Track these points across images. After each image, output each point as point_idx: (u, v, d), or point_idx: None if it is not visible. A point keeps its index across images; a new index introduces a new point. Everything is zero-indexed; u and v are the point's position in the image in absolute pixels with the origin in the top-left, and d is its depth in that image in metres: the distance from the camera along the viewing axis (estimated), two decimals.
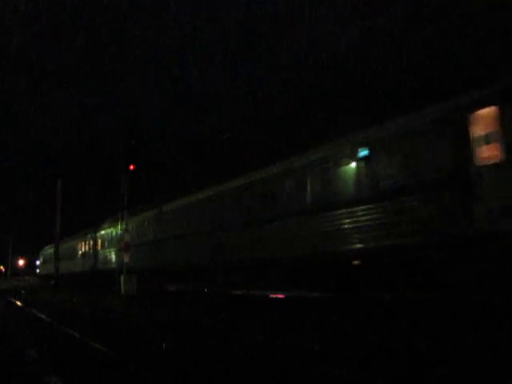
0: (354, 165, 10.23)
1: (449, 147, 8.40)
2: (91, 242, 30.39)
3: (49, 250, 41.81)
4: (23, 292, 24.68)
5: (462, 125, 8.22)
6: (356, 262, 10.03)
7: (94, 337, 6.73)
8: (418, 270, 8.86)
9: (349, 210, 10.03)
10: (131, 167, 19.47)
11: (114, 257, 24.93)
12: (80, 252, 33.50)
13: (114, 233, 24.54)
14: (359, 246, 9.77)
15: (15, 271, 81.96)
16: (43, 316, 10.74)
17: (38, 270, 54.77)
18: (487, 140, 7.87)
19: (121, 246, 19.91)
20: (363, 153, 9.93)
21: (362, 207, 9.73)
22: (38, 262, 49.02)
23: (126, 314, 10.76)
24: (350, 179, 10.20)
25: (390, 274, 9.25)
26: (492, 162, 7.80)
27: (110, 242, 26.00)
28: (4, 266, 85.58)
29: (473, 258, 8.03)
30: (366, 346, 5.39)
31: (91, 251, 30.20)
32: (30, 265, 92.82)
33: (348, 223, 10.05)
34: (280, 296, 12.90)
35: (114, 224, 24.18)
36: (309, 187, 11.23)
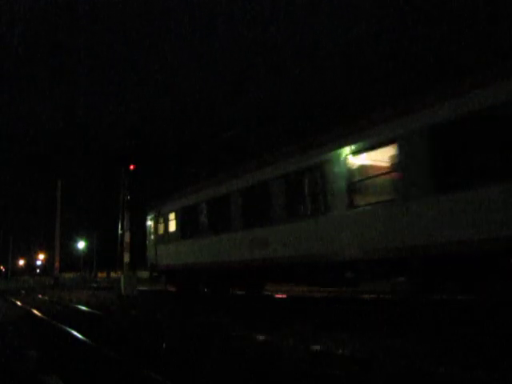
0: None
1: None
2: None
3: (187, 199, 15.85)
4: (23, 292, 24.66)
5: None
6: None
7: (94, 337, 6.73)
8: None
9: None
10: (131, 167, 19.47)
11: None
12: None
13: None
14: None
15: (15, 271, 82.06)
16: (43, 316, 10.72)
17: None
18: None
19: None
20: None
21: None
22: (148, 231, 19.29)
23: (124, 314, 10.74)
24: None
25: None
26: None
27: None
28: (4, 266, 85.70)
29: None
30: None
31: None
32: (30, 264, 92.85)
33: None
34: None
35: None
36: None
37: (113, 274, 63.30)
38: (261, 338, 6.16)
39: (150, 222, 19.16)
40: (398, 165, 8.56)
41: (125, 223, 19.66)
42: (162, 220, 18.05)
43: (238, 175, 13.31)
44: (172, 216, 17.01)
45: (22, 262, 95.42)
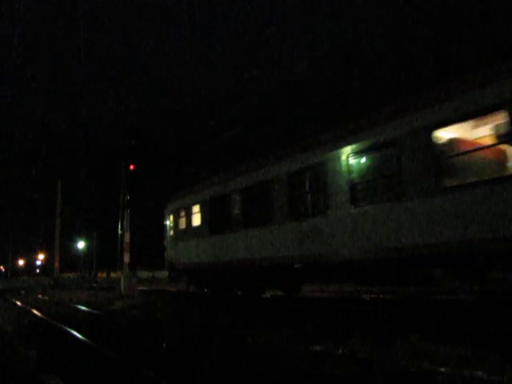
0: None
1: None
2: None
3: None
4: (23, 292, 24.66)
5: None
6: None
7: (94, 337, 6.73)
8: None
9: None
10: (131, 167, 19.46)
11: None
12: None
13: None
14: None
15: (15, 271, 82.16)
16: (43, 316, 10.72)
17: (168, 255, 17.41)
18: None
19: None
20: None
21: None
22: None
23: (124, 314, 10.74)
24: None
25: None
26: None
27: None
28: (4, 266, 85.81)
29: None
30: None
31: None
32: (30, 264, 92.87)
33: None
34: None
35: None
36: None
37: (113, 274, 63.35)
38: (261, 338, 6.16)
39: (168, 218, 16.95)
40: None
41: (125, 223, 19.64)
42: (183, 214, 15.50)
43: (285, 156, 11.05)
44: (196, 209, 14.52)
45: (21, 262, 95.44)
